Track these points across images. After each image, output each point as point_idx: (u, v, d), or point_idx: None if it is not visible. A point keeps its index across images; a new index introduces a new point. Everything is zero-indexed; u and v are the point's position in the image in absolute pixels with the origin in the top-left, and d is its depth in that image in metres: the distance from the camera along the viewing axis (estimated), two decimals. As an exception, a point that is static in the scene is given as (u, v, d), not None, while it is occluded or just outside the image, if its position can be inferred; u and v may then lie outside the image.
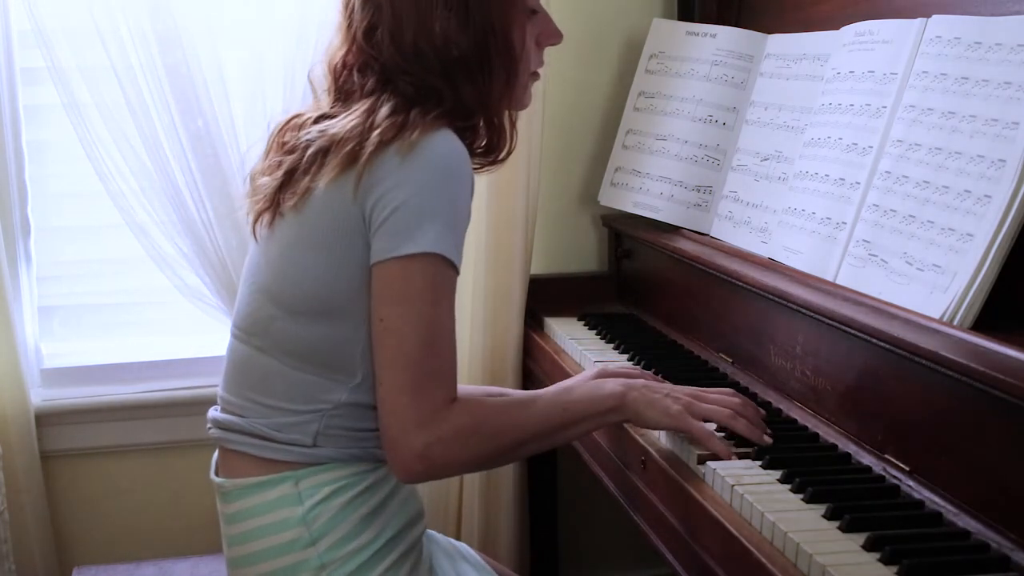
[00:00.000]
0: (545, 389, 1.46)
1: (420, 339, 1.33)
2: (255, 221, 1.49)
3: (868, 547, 1.19)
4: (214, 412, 1.51)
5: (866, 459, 1.43)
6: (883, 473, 1.39)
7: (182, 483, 2.31)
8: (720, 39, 2.15)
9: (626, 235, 2.34)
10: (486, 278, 2.28)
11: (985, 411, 1.22)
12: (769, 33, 2.07)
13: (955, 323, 1.33)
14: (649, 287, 2.26)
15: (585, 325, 2.20)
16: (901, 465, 1.37)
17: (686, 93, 2.18)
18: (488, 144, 1.51)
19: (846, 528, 1.23)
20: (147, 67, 2.13)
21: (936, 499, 1.30)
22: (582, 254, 2.51)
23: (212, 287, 2.21)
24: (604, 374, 1.65)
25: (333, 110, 1.46)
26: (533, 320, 2.32)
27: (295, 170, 1.42)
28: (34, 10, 2.10)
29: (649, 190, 2.20)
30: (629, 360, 1.92)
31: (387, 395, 1.33)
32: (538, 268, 2.40)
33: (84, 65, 2.13)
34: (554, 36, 1.54)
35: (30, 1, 2.09)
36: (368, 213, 1.36)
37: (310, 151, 1.41)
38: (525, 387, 2.31)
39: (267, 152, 1.52)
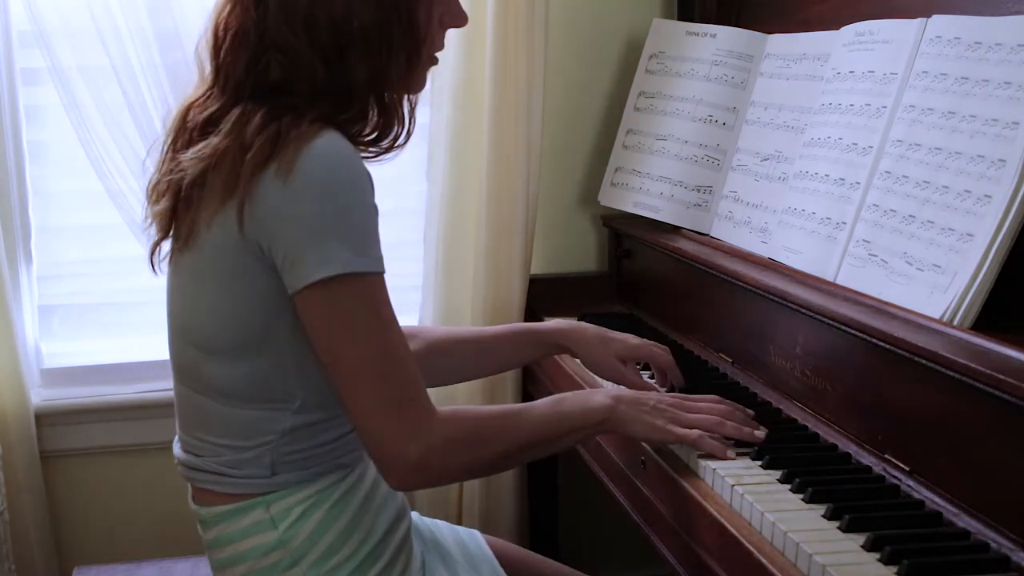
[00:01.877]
0: (536, 401, 1.44)
1: (377, 360, 1.27)
2: (152, 252, 1.42)
3: (868, 547, 1.19)
4: (176, 449, 1.47)
5: (866, 459, 1.43)
6: (883, 473, 1.39)
7: (182, 483, 2.29)
8: (720, 39, 2.15)
9: (626, 235, 2.34)
10: (486, 278, 2.28)
11: (985, 411, 1.22)
12: (769, 33, 2.07)
13: (955, 323, 1.33)
14: (649, 287, 2.26)
15: (585, 325, 2.20)
16: (901, 465, 1.37)
17: (686, 93, 2.18)
18: (379, 130, 1.39)
19: (846, 528, 1.23)
20: (147, 67, 2.13)
21: (936, 499, 1.30)
22: (582, 254, 2.51)
23: (212, 287, 2.21)
24: (643, 349, 1.68)
25: (213, 105, 1.35)
26: (533, 320, 2.32)
27: (178, 203, 1.34)
28: (34, 10, 2.10)
29: (649, 190, 2.20)
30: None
31: (365, 422, 1.28)
32: (538, 268, 2.40)
33: (84, 65, 2.14)
34: (459, 18, 1.43)
35: (30, 1, 2.09)
36: (266, 244, 1.27)
37: (186, 182, 1.31)
38: (525, 387, 2.31)
39: (160, 162, 1.41)
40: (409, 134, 1.44)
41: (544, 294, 2.36)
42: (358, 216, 1.28)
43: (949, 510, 1.27)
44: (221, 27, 1.35)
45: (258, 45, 1.32)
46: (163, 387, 2.32)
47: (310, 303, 1.27)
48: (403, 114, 1.42)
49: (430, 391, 1.34)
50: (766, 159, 1.93)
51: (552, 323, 1.77)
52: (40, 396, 2.28)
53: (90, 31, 2.11)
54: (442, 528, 1.66)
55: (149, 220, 1.41)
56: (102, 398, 2.31)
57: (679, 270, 2.07)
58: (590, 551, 2.58)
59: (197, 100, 1.39)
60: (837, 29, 1.79)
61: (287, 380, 1.36)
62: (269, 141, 1.26)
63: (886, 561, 1.15)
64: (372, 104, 1.37)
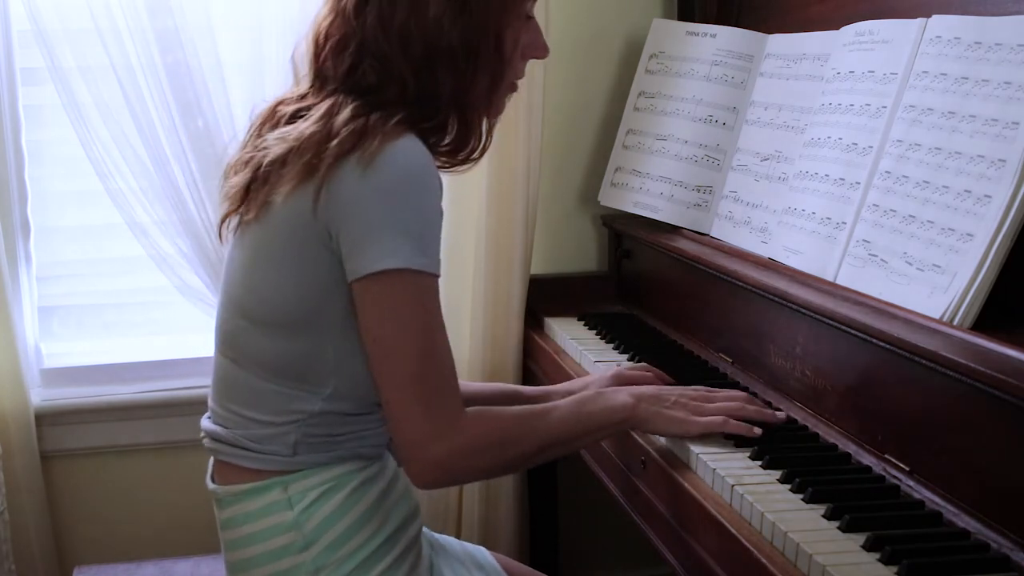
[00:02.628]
0: (558, 401, 1.47)
1: (420, 355, 1.32)
2: (222, 222, 1.47)
3: (868, 547, 1.19)
4: (205, 421, 1.50)
5: (866, 459, 1.43)
6: (883, 473, 1.39)
7: (182, 483, 2.31)
8: (720, 39, 2.15)
9: (626, 235, 2.34)
10: (486, 278, 2.28)
11: (985, 411, 1.22)
12: (769, 33, 2.07)
13: (955, 323, 1.33)
14: (649, 287, 2.26)
15: (585, 325, 2.20)
16: (901, 465, 1.37)
17: (686, 93, 2.18)
18: (456, 143, 1.46)
19: (846, 528, 1.23)
20: (147, 67, 2.13)
21: (936, 499, 1.30)
22: (582, 254, 2.51)
23: (212, 287, 2.21)
24: (620, 378, 1.66)
25: (307, 102, 1.42)
26: (533, 320, 2.32)
27: (255, 179, 1.40)
28: (34, 10, 2.10)
29: (649, 190, 2.20)
30: (629, 360, 1.92)
31: (397, 413, 1.33)
32: (538, 268, 2.40)
33: (84, 65, 2.14)
34: (541, 50, 1.50)
35: (30, 1, 2.09)
36: (335, 229, 1.33)
37: (267, 160, 1.37)
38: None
39: (244, 144, 1.48)
40: (484, 150, 1.50)
41: (544, 294, 2.37)
42: (426, 218, 1.34)
43: (949, 510, 1.27)
44: (322, 35, 1.43)
45: (356, 52, 1.40)
46: (163, 387, 2.33)
47: (367, 292, 1.32)
48: (480, 132, 1.48)
49: None
50: (766, 159, 1.93)
51: (538, 388, 1.79)
52: (40, 396, 2.28)
53: (90, 31, 2.11)
54: (451, 541, 1.67)
55: (224, 191, 1.46)
56: (102, 398, 2.31)
57: (679, 270, 2.07)
58: (590, 552, 2.58)
59: (291, 97, 1.46)
60: (837, 29, 1.79)
61: (324, 365, 1.39)
62: (355, 133, 1.32)
63: (886, 561, 1.16)
64: (453, 118, 1.43)
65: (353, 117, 1.34)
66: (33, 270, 2.28)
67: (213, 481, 1.49)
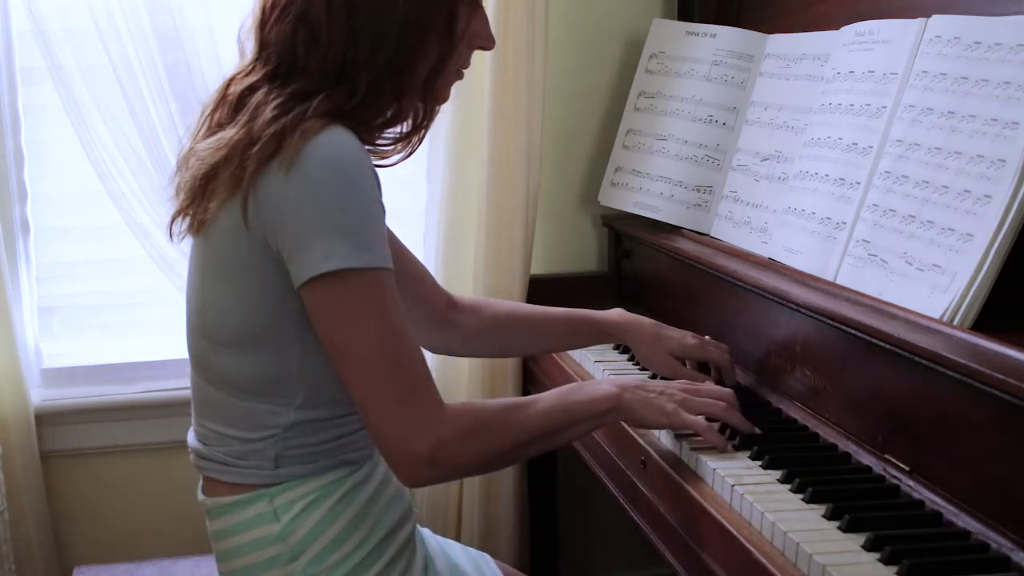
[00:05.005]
0: (541, 394, 1.45)
1: (383, 355, 1.27)
2: (172, 220, 1.42)
3: (868, 547, 1.19)
4: (190, 437, 1.49)
5: (866, 459, 1.43)
6: (883, 473, 1.39)
7: (182, 483, 2.29)
8: (720, 39, 2.15)
9: (626, 235, 2.34)
10: (486, 278, 2.28)
11: (985, 411, 1.22)
12: (769, 33, 2.07)
13: (955, 323, 1.33)
14: (649, 287, 2.26)
15: (585, 325, 2.20)
16: (901, 465, 1.37)
17: (686, 93, 2.18)
18: (391, 122, 1.41)
19: (846, 528, 1.23)
20: (147, 67, 2.13)
21: (936, 499, 1.30)
22: (582, 254, 2.51)
23: (212, 287, 2.21)
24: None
25: (254, 77, 1.37)
26: (533, 320, 2.32)
27: (195, 188, 1.35)
28: (34, 10, 2.10)
29: (649, 190, 2.20)
30: (628, 361, 1.92)
31: (373, 416, 1.29)
32: (538, 268, 2.40)
33: (84, 65, 2.14)
34: (487, 40, 1.45)
35: (30, 1, 2.10)
36: (272, 238, 1.29)
37: (201, 172, 1.33)
38: (525, 387, 2.31)
39: (196, 132, 1.42)
40: (421, 139, 1.45)
41: (544, 294, 2.35)
42: (360, 211, 1.28)
43: (949, 510, 1.27)
44: (268, 4, 1.38)
45: (296, 20, 1.34)
46: (163, 387, 2.33)
47: (314, 297, 1.29)
48: (418, 117, 1.42)
49: (439, 384, 1.35)
50: (766, 159, 1.93)
51: (612, 314, 1.80)
52: (40, 396, 2.28)
53: (90, 31, 2.11)
54: (454, 547, 1.66)
55: (174, 190, 1.42)
56: (102, 398, 2.32)
57: (679, 270, 2.07)
58: (590, 552, 2.58)
59: (239, 74, 1.41)
60: (837, 29, 1.79)
61: (290, 376, 1.37)
62: (275, 136, 1.28)
63: (886, 561, 1.16)
64: (387, 93, 1.37)
65: (273, 118, 1.29)
66: (33, 270, 2.28)
67: (203, 492, 1.48)
